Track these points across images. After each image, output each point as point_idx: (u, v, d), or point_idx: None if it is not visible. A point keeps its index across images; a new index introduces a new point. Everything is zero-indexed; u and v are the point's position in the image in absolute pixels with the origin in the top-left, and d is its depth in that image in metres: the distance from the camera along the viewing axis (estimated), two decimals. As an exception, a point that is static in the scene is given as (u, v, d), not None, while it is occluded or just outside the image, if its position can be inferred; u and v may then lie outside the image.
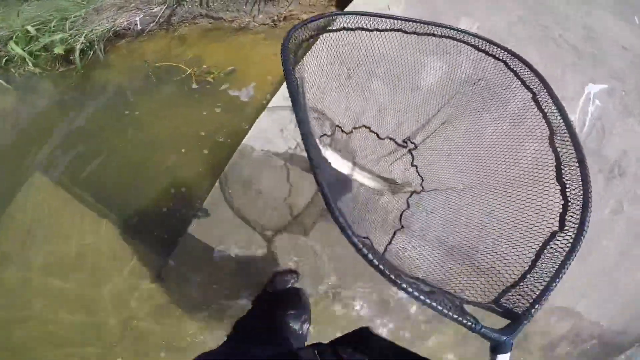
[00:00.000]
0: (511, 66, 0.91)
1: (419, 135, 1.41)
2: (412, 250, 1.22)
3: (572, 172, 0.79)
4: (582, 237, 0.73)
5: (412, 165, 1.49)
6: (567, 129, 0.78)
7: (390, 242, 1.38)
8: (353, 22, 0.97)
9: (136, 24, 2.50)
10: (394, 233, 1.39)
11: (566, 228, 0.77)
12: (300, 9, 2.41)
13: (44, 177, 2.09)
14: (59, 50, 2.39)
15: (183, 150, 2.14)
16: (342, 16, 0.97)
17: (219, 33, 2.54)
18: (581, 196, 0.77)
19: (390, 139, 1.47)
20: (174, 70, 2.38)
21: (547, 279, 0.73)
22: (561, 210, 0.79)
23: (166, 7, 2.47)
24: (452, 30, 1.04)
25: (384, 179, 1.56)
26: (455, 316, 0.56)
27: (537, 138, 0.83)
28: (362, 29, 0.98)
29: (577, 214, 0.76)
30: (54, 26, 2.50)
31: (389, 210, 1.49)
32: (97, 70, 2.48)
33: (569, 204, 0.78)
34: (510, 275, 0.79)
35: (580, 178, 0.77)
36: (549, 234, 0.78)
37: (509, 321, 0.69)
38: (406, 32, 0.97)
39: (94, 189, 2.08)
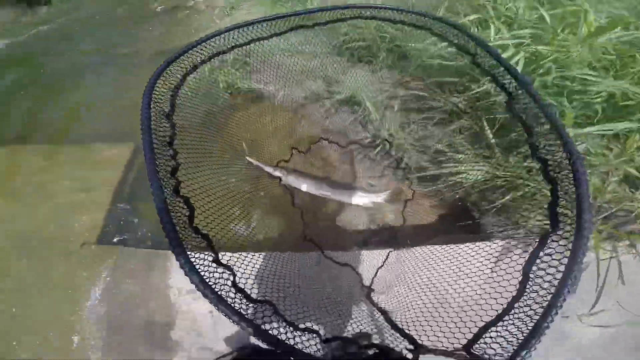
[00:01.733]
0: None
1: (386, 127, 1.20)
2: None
3: (547, 141, 0.53)
4: (585, 231, 0.46)
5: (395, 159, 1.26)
6: (523, 89, 0.55)
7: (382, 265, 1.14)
8: (244, 35, 0.86)
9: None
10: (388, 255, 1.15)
11: (561, 224, 0.50)
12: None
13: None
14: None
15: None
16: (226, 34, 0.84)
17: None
18: (571, 172, 0.51)
19: (354, 142, 1.28)
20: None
21: (542, 307, 0.47)
22: (550, 200, 0.53)
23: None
24: (355, 10, 0.87)
25: (371, 191, 1.33)
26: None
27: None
28: (260, 38, 0.86)
29: (572, 199, 0.50)
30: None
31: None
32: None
33: (558, 188, 0.52)
34: (487, 309, 0.54)
35: (562, 145, 0.51)
36: (537, 240, 0.52)
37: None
38: (308, 26, 0.83)
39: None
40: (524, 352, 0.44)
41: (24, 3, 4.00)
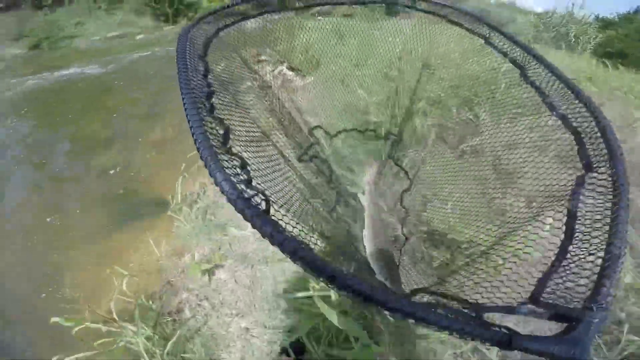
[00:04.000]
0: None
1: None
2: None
3: (563, 99, 0.59)
4: (621, 163, 0.50)
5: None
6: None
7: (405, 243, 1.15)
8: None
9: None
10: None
11: (595, 165, 0.54)
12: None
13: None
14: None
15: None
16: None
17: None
18: (591, 117, 0.56)
19: (371, 130, 1.34)
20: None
21: (603, 245, 0.48)
22: (578, 147, 0.57)
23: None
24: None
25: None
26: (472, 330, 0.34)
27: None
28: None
29: (598, 139, 0.54)
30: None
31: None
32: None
33: (581, 135, 0.57)
34: (542, 254, 0.55)
35: (577, 99, 0.57)
36: (573, 184, 0.55)
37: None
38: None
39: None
40: (604, 291, 0.43)
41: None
